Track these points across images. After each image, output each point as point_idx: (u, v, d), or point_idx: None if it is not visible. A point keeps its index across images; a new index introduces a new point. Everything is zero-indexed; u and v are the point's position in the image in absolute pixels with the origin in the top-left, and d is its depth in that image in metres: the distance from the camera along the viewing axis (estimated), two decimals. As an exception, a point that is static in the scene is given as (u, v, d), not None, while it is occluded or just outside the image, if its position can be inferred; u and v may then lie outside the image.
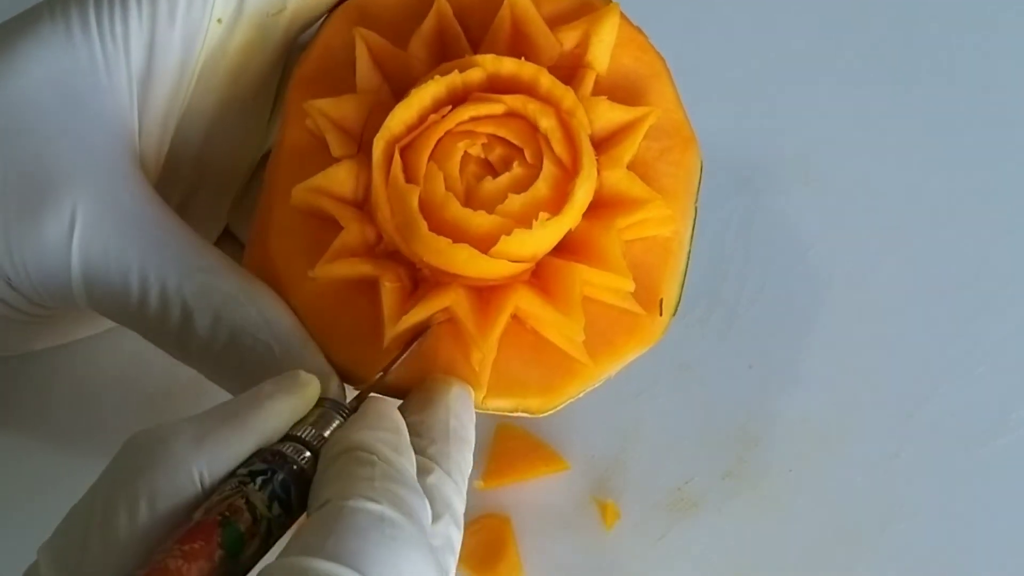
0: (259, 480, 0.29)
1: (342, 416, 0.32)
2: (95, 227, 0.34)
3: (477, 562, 0.42)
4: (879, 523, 0.44)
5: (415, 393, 0.35)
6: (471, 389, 0.35)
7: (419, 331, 0.35)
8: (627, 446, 0.45)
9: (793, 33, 0.53)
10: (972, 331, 0.47)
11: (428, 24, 0.37)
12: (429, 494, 0.31)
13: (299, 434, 0.31)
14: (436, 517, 0.31)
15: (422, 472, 0.32)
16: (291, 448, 0.30)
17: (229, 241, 0.43)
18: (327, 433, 0.31)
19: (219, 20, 0.37)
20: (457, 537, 0.32)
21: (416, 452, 0.32)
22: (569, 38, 0.37)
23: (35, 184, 0.34)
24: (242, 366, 0.34)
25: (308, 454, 0.30)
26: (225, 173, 0.41)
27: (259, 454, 0.30)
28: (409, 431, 0.32)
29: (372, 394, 0.34)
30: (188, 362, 0.35)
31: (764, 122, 0.51)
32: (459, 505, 0.33)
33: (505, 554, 0.42)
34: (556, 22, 0.37)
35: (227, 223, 0.43)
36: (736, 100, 0.50)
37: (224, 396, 0.37)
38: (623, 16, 0.38)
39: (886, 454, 0.45)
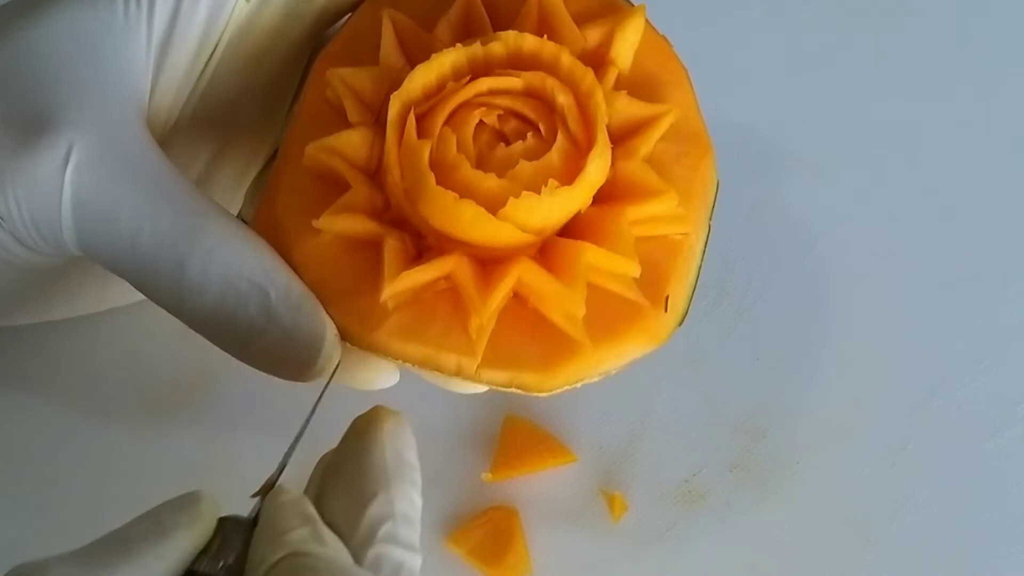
0: None
1: (246, 534, 0.30)
2: (90, 163, 0.34)
3: (485, 554, 0.42)
4: (886, 516, 0.44)
5: (344, 440, 0.33)
6: (400, 417, 0.34)
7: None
8: (634, 439, 0.45)
9: (803, 26, 0.53)
10: (980, 324, 0.47)
11: (456, 9, 0.38)
12: (376, 565, 0.30)
13: (202, 569, 0.29)
14: (395, 555, 0.31)
15: (364, 544, 0.31)
16: None
17: None
18: (232, 560, 0.29)
19: (247, 0, 0.37)
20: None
21: (358, 513, 0.31)
22: (594, 35, 0.37)
23: (36, 120, 0.34)
24: (235, 315, 0.34)
25: None
26: (240, 156, 0.41)
27: None
28: (343, 490, 0.31)
29: (270, 497, 0.32)
30: (179, 313, 0.34)
31: (773, 115, 0.51)
32: (413, 557, 0.31)
33: (513, 546, 0.42)
34: (582, 20, 0.37)
35: (240, 210, 0.43)
36: (745, 92, 0.50)
37: (228, 378, 0.37)
38: (649, 22, 0.38)
39: (893, 447, 0.45)
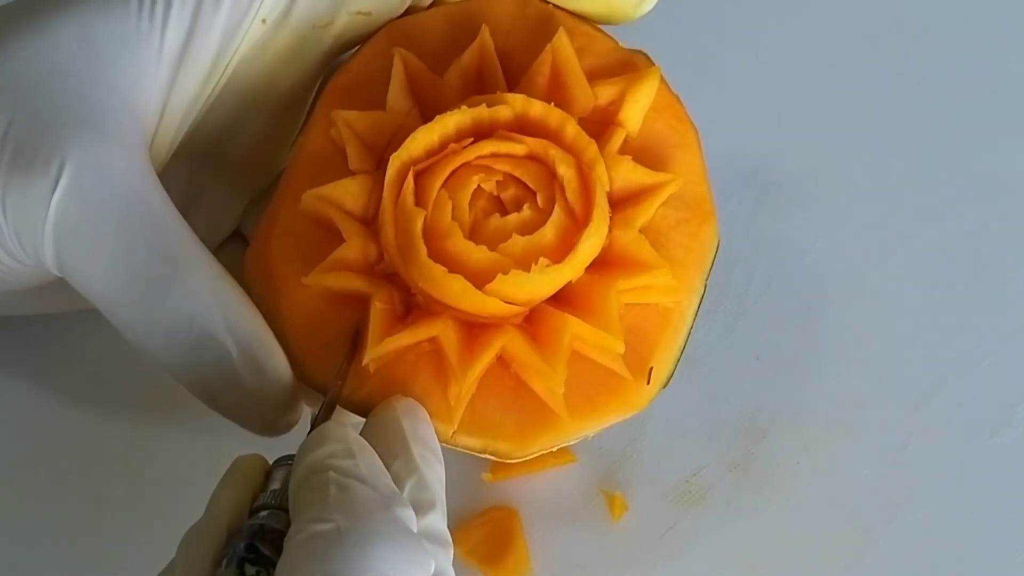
0: (247, 566, 0.29)
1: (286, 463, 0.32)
2: (78, 192, 0.33)
3: (485, 554, 0.42)
4: (886, 515, 0.44)
5: (368, 420, 0.34)
6: (413, 401, 0.35)
7: (356, 334, 0.35)
8: (634, 438, 0.45)
9: (800, 29, 0.53)
10: (979, 323, 0.47)
11: (469, 56, 0.37)
12: (409, 494, 0.31)
13: (257, 503, 0.31)
14: (422, 510, 0.31)
15: (396, 480, 0.31)
16: (263, 517, 0.30)
17: (239, 241, 0.43)
18: (279, 486, 0.31)
19: (264, 20, 0.36)
20: (444, 528, 0.32)
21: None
22: (605, 93, 0.37)
23: (34, 136, 0.34)
24: (199, 369, 0.34)
25: (283, 513, 0.30)
26: (244, 175, 0.41)
27: (234, 538, 0.30)
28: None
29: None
30: (146, 352, 0.35)
31: (771, 116, 0.51)
32: (440, 508, 0.32)
33: (513, 546, 0.42)
34: (596, 76, 0.37)
35: (240, 224, 0.43)
36: (744, 94, 0.50)
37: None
38: (663, 81, 0.37)
39: (893, 446, 0.45)
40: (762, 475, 0.44)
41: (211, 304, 0.34)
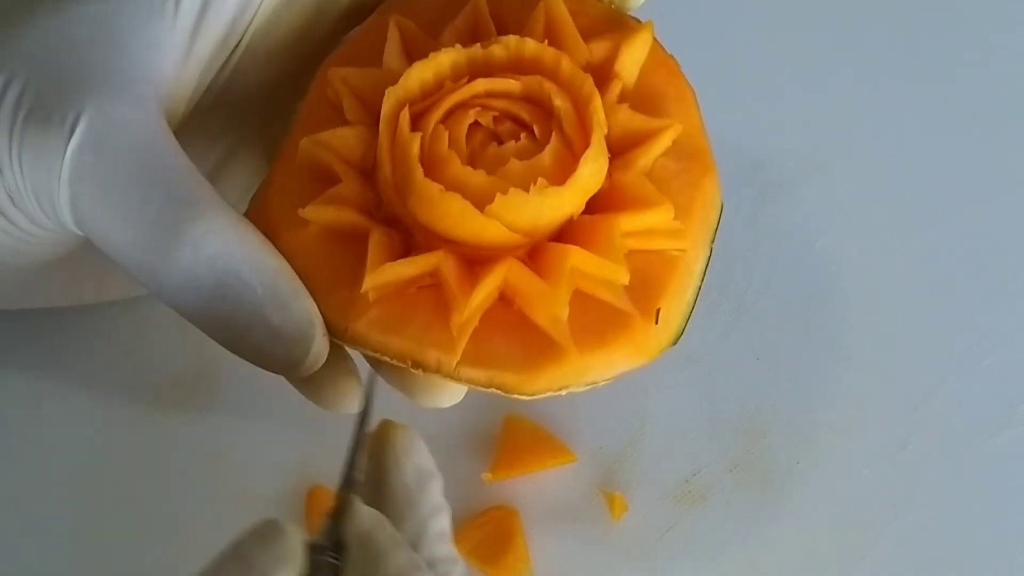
0: None
1: (333, 558, 0.31)
2: (93, 142, 0.33)
3: (485, 554, 0.42)
4: (886, 515, 0.44)
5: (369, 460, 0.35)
6: (408, 429, 0.35)
7: (363, 414, 0.35)
8: (634, 438, 0.45)
9: (802, 26, 0.52)
10: (979, 324, 0.47)
11: (463, 17, 0.37)
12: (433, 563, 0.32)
13: None
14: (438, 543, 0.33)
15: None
16: None
17: None
18: None
19: None
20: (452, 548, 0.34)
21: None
22: (600, 49, 0.37)
23: (47, 98, 0.34)
24: (222, 309, 0.33)
25: None
26: (255, 154, 0.41)
27: None
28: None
29: (349, 528, 0.33)
30: (169, 303, 0.34)
31: (772, 114, 0.51)
32: (448, 533, 0.33)
33: (513, 546, 0.42)
34: (589, 35, 0.37)
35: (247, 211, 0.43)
36: (744, 91, 0.50)
37: (230, 371, 0.37)
38: (656, 40, 0.37)
39: (893, 446, 0.45)
40: (762, 475, 0.44)
41: (233, 241, 0.33)
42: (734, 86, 0.50)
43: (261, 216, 0.36)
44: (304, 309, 0.34)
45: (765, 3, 0.53)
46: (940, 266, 0.48)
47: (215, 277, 0.33)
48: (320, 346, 0.34)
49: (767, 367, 0.46)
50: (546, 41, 0.36)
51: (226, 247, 0.33)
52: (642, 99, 0.37)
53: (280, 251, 0.35)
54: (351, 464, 0.34)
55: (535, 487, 0.43)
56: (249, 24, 0.37)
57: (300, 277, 0.34)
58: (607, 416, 0.45)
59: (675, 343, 0.36)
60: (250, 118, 0.40)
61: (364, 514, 0.32)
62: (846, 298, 0.47)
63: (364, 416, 0.35)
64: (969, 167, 0.50)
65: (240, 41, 0.37)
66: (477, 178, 0.34)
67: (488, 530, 0.43)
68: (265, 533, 0.30)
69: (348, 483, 0.34)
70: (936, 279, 0.48)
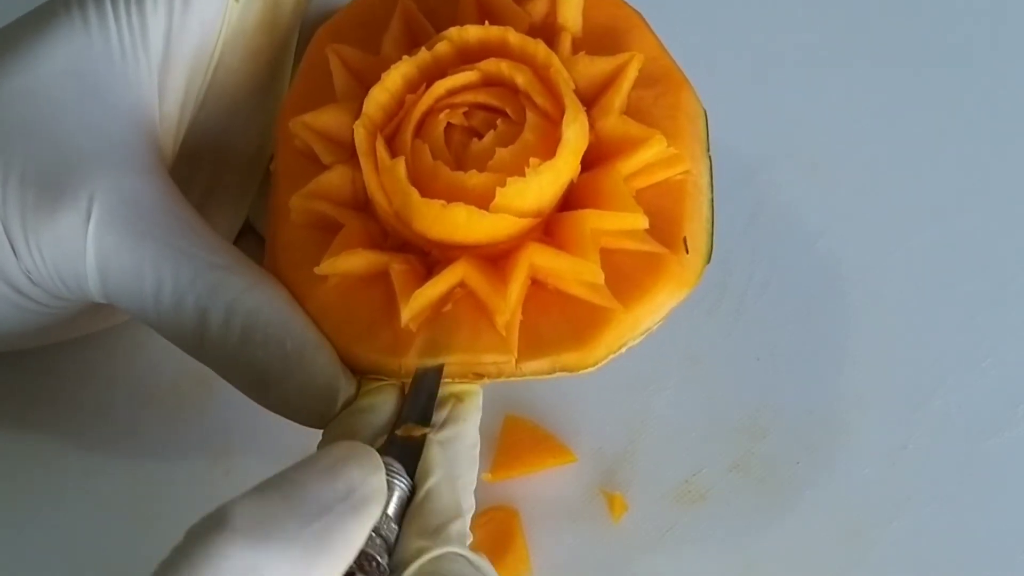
0: None
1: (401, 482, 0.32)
2: (110, 219, 0.34)
3: (485, 554, 0.42)
4: (887, 515, 0.44)
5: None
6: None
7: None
8: (634, 438, 0.45)
9: (800, 24, 0.52)
10: (980, 323, 0.47)
11: (395, 24, 0.37)
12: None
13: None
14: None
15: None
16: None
17: (250, 236, 0.43)
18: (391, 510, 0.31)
19: (236, 0, 0.37)
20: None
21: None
22: (537, 8, 0.37)
23: (53, 175, 0.34)
24: (253, 364, 0.34)
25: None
26: (246, 162, 0.41)
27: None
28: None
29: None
30: (201, 358, 0.35)
31: (771, 113, 0.50)
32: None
33: (513, 546, 0.42)
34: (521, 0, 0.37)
35: (248, 217, 0.43)
36: (743, 89, 0.50)
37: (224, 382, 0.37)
38: None
39: (894, 446, 0.45)
40: (762, 475, 0.44)
41: (262, 302, 0.34)
42: (734, 87, 0.50)
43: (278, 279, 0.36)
44: (330, 362, 0.34)
45: (765, 3, 0.53)
46: (940, 266, 0.48)
47: (246, 336, 0.34)
48: (347, 395, 0.35)
49: (767, 367, 0.46)
50: (486, 22, 0.36)
51: (256, 308, 0.34)
52: (595, 41, 0.37)
53: (307, 312, 0.35)
54: (428, 403, 0.34)
55: (535, 487, 0.43)
56: (217, 41, 0.37)
57: (336, 331, 0.35)
58: (607, 416, 0.45)
59: (709, 261, 0.36)
60: (230, 140, 0.40)
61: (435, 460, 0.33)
62: (845, 299, 0.47)
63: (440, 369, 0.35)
64: (969, 167, 0.50)
65: (211, 60, 0.37)
66: (472, 179, 0.34)
67: (488, 530, 0.43)
68: (366, 462, 0.30)
69: (424, 422, 0.34)
70: (936, 279, 0.48)
